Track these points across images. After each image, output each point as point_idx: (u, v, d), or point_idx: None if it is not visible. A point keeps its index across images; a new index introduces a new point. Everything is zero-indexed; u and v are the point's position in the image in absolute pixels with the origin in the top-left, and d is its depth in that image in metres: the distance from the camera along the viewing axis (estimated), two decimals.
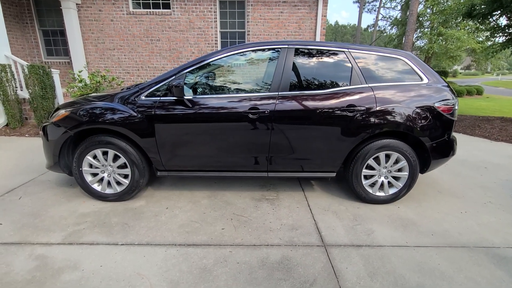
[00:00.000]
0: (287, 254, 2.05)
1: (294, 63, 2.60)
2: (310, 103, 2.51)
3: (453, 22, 17.28)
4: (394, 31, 25.19)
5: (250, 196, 2.94)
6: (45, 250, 2.04)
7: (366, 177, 2.75)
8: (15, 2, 7.69)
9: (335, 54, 2.65)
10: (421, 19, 18.92)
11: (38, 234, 2.23)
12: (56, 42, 8.25)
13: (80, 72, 5.05)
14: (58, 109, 2.75)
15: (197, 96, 2.57)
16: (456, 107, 2.65)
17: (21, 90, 5.56)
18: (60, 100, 5.61)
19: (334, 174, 2.75)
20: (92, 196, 2.76)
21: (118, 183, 2.74)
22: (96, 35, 7.83)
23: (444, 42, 17.14)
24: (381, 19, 31.73)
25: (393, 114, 2.54)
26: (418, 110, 2.55)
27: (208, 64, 2.64)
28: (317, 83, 2.62)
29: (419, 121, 2.55)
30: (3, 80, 5.09)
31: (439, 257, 2.06)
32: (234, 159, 2.65)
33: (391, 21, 28.52)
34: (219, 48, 7.97)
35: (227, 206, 2.72)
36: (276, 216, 2.56)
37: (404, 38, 16.81)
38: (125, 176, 2.72)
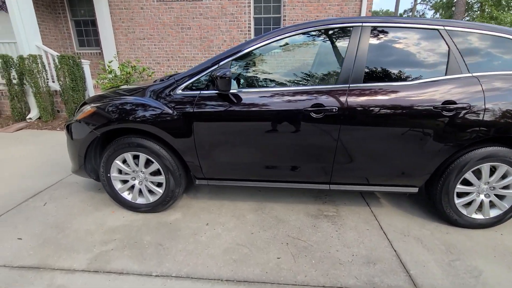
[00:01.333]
0: None
1: (369, 47, 2.00)
2: (391, 99, 1.91)
3: (505, 5, 15.44)
4: (436, 15, 23.08)
5: (304, 210, 2.42)
6: (67, 280, 1.67)
7: (459, 195, 2.12)
8: None
9: (425, 33, 2.00)
10: (470, 1, 17.06)
11: (60, 255, 1.88)
12: (87, 32, 8.12)
13: (110, 62, 4.77)
14: (84, 103, 2.38)
15: (245, 90, 2.06)
16: None
17: (53, 82, 5.40)
18: (91, 92, 5.38)
19: (416, 190, 2.14)
20: (121, 205, 2.39)
21: (151, 191, 2.34)
22: (126, 24, 7.57)
23: None
24: (420, 3, 29.17)
25: (507, 114, 1.87)
26: None
27: (258, 50, 2.11)
28: (400, 72, 2.00)
29: None
30: (34, 72, 4.93)
31: None
32: (289, 168, 2.14)
33: (431, 4, 26.18)
34: (252, 36, 7.41)
35: (278, 224, 2.23)
36: (342, 241, 2.03)
37: None
38: (159, 185, 2.32)
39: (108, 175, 2.27)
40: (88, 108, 2.20)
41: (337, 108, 1.93)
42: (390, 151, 1.99)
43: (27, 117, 5.29)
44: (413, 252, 1.93)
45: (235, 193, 2.70)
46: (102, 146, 2.40)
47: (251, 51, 2.09)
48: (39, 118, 5.37)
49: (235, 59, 2.07)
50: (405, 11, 37.99)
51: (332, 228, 2.19)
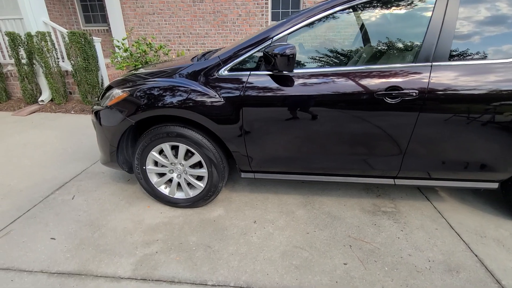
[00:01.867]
0: None
1: (459, 15, 1.64)
2: (483, 80, 1.59)
3: None
4: None
5: (359, 205, 2.19)
6: None
7: None
8: None
9: None
10: None
11: (101, 258, 1.69)
12: (93, 7, 7.64)
13: (124, 39, 4.41)
14: (110, 87, 2.11)
15: (304, 71, 1.75)
16: None
17: (63, 61, 5.08)
18: (104, 72, 5.07)
19: (496, 185, 1.88)
20: (158, 200, 2.18)
21: (190, 185, 2.11)
22: None
23: None
24: None
25: None
26: None
27: (319, 20, 1.76)
28: (496, 45, 1.65)
29: None
30: (43, 50, 4.60)
31: None
32: (352, 160, 1.87)
33: None
34: (269, 10, 6.89)
35: (334, 222, 2.00)
36: (412, 243, 1.80)
37: None
38: (199, 178, 2.08)
39: (144, 167, 2.04)
40: (119, 93, 1.92)
41: (417, 91, 1.62)
42: (475, 141, 1.70)
43: (39, 99, 5.03)
44: (498, 257, 1.69)
45: (277, 185, 2.46)
46: (134, 135, 2.15)
47: (310, 24, 1.75)
48: (51, 100, 5.11)
49: (292, 32, 1.74)
50: None
51: (396, 227, 1.95)
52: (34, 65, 4.87)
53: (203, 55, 2.35)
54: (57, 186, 2.47)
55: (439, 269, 1.61)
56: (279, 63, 1.59)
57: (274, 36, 1.74)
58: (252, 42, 1.78)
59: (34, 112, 4.72)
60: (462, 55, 1.64)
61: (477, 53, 1.64)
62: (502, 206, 2.15)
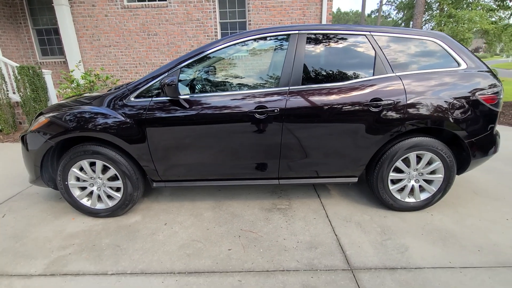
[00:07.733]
0: (308, 282, 1.71)
1: (306, 52, 2.21)
2: (326, 98, 2.13)
3: (464, 3, 16.47)
4: (400, 15, 24.27)
5: (260, 205, 2.60)
6: (24, 284, 1.73)
7: (393, 182, 2.38)
8: (8, 2, 7.35)
9: (354, 39, 2.25)
10: (429, 0, 18.10)
11: (18, 262, 1.93)
12: (50, 41, 7.92)
13: (72, 71, 4.73)
14: (41, 114, 2.43)
15: (195, 95, 2.20)
16: (501, 96, 2.24)
17: (13, 93, 5.27)
18: (54, 102, 5.30)
19: (356, 179, 2.38)
20: (81, 212, 2.45)
21: (110, 197, 2.42)
22: (91, 32, 7.47)
23: (455, 24, 16.33)
24: (385, 3, 30.54)
25: (426, 108, 2.14)
26: (456, 102, 2.15)
27: (207, 57, 2.26)
28: (334, 74, 2.22)
29: (457, 114, 2.16)
30: None
31: (494, 281, 1.69)
32: (240, 166, 2.30)
33: (396, 5, 27.57)
34: None
35: (233, 220, 2.38)
36: (290, 230, 2.22)
37: (411, 22, 16.03)
38: (117, 189, 2.40)
39: (66, 183, 2.33)
40: (42, 119, 2.25)
41: (278, 109, 2.12)
42: (328, 145, 2.20)
43: None
44: (352, 235, 2.15)
45: (195, 194, 2.83)
46: (59, 154, 2.46)
47: (201, 58, 2.23)
48: (0, 130, 5.21)
49: (186, 66, 2.21)
50: (372, 11, 39.59)
51: (283, 220, 2.37)
52: None
53: (124, 85, 2.75)
54: None
55: (302, 247, 2.02)
56: (167, 91, 2.03)
57: (171, 69, 2.19)
58: (153, 75, 2.22)
59: None
60: (311, 80, 2.19)
61: (321, 79, 2.19)
62: (373, 197, 2.66)
